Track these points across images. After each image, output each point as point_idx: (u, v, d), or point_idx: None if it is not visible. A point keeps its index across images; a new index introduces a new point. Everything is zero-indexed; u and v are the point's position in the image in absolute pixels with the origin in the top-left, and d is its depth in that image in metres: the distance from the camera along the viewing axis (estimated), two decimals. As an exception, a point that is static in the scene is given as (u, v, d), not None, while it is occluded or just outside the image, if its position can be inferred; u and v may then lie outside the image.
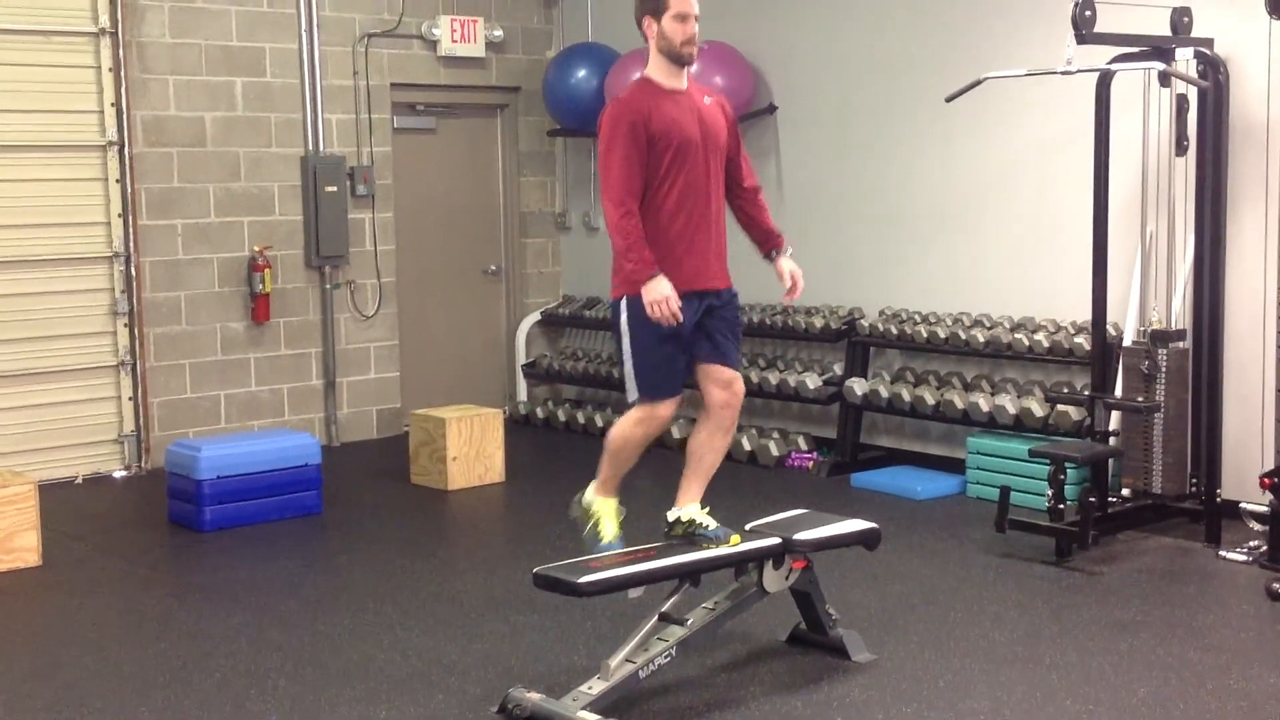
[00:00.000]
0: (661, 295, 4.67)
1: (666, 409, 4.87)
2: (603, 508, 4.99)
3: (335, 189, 9.07)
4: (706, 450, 4.94)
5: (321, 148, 9.09)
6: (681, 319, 4.72)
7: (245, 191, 8.82)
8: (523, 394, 10.12)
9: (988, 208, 7.87)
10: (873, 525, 5.30)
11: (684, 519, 4.89)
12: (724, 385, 4.91)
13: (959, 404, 7.53)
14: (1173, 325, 6.68)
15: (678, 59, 4.82)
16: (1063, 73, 6.33)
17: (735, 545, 4.84)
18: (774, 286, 9.19)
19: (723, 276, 4.98)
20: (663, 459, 8.49)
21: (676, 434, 8.70)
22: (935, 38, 8.00)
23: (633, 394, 4.88)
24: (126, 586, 6.20)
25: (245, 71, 8.78)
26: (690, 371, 4.95)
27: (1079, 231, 7.01)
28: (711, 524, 4.89)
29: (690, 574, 4.79)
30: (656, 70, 4.86)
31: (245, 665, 5.11)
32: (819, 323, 8.37)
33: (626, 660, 4.59)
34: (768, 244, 5.14)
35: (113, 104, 8.26)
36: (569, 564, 4.78)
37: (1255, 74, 6.56)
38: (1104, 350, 6.79)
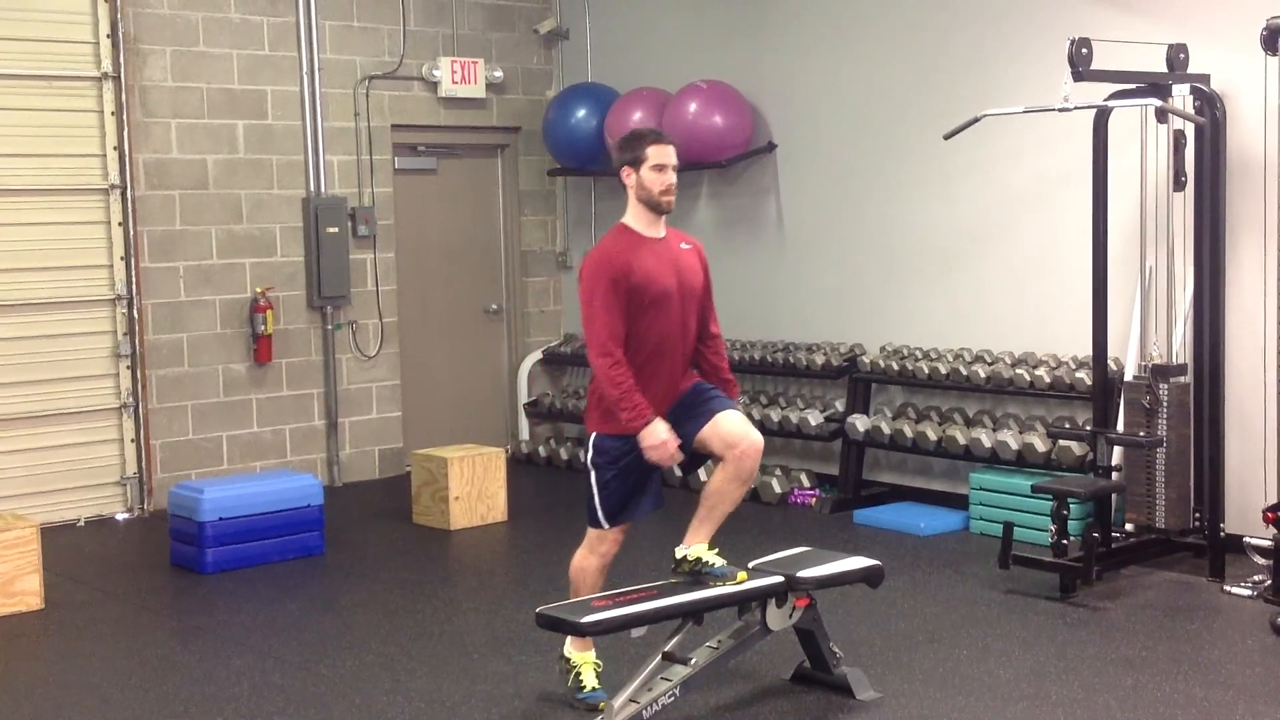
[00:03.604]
0: (659, 440, 4.75)
1: (616, 535, 4.97)
2: (580, 660, 5.00)
3: (337, 230, 9.10)
4: (720, 499, 4.88)
5: (323, 189, 9.13)
6: (684, 457, 4.85)
7: (247, 233, 8.86)
8: (525, 433, 10.12)
9: (988, 244, 7.89)
10: (875, 562, 5.29)
11: (690, 557, 4.90)
12: (738, 437, 4.81)
13: (961, 440, 7.52)
14: (1173, 360, 6.69)
15: (656, 208, 4.90)
16: (1060, 110, 6.37)
17: (741, 582, 4.84)
18: (776, 325, 9.26)
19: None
20: (671, 497, 8.48)
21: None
22: (933, 75, 8.04)
23: (596, 523, 4.95)
24: (129, 629, 6.18)
25: (247, 114, 8.83)
26: (690, 465, 5.09)
27: (1079, 267, 7.02)
28: (719, 562, 4.89)
29: (693, 613, 4.78)
30: (635, 218, 4.93)
31: (248, 708, 5.10)
32: (820, 359, 8.38)
33: (630, 700, 4.59)
34: (722, 392, 5.18)
35: (115, 148, 8.31)
36: (572, 603, 4.78)
37: (1252, 109, 6.59)
38: (1105, 385, 6.79)
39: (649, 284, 4.80)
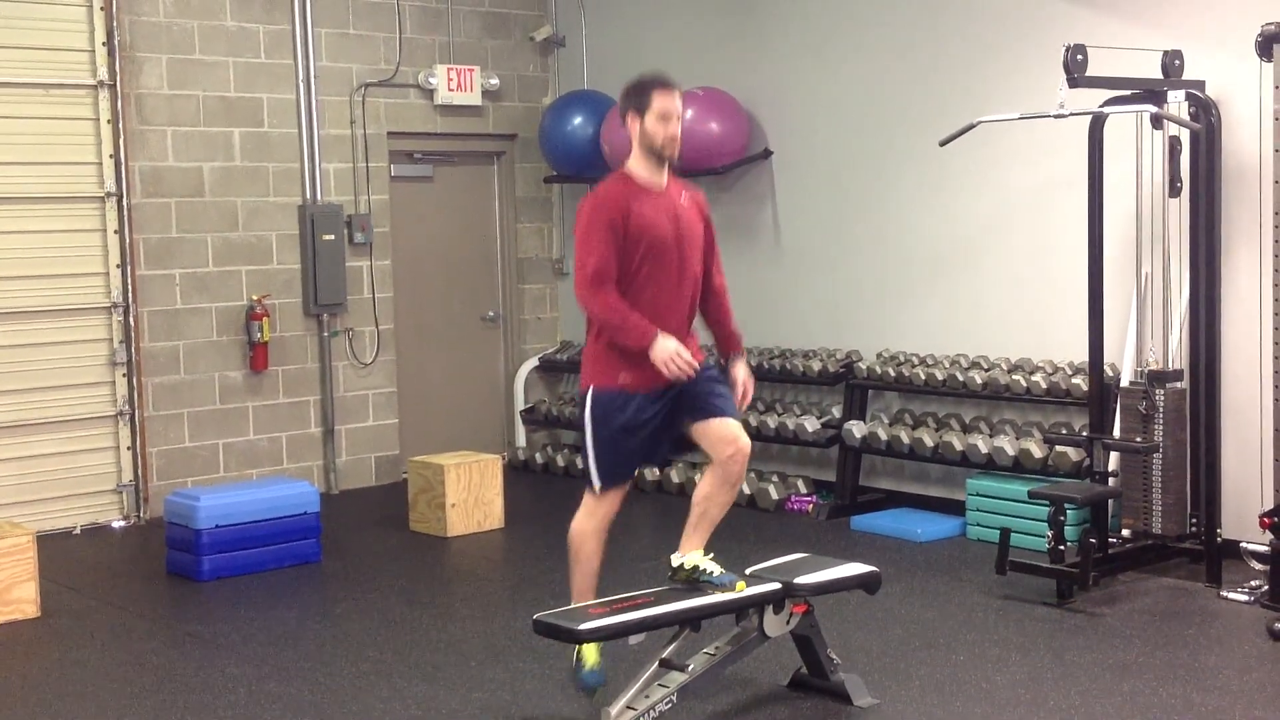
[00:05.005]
0: (669, 353, 4.73)
1: (613, 498, 4.93)
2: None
3: (333, 237, 9.10)
4: (710, 504, 4.91)
5: (319, 196, 9.13)
6: (698, 368, 4.78)
7: (243, 241, 8.85)
8: (521, 440, 10.11)
9: (984, 250, 7.90)
10: (873, 568, 5.29)
11: (688, 565, 4.89)
12: (728, 440, 4.84)
13: (958, 446, 7.53)
14: (1169, 365, 6.70)
15: (659, 157, 4.88)
16: (1055, 116, 6.38)
17: (741, 591, 4.83)
18: (772, 331, 9.22)
19: (694, 357, 4.94)
20: (663, 503, 8.48)
21: (676, 478, 8.70)
22: (929, 82, 8.05)
23: (591, 485, 4.91)
24: (125, 637, 6.17)
25: (243, 122, 8.83)
26: (677, 448, 5.04)
27: (1075, 273, 7.03)
28: (717, 570, 4.89)
29: (691, 619, 4.78)
30: (638, 165, 4.92)
31: (245, 716, 5.09)
32: (817, 366, 8.38)
33: (628, 707, 4.58)
34: (726, 346, 5.18)
35: (111, 155, 8.30)
36: (569, 610, 4.77)
37: (1247, 115, 6.59)
38: (1101, 391, 6.79)
39: (645, 231, 4.78)
